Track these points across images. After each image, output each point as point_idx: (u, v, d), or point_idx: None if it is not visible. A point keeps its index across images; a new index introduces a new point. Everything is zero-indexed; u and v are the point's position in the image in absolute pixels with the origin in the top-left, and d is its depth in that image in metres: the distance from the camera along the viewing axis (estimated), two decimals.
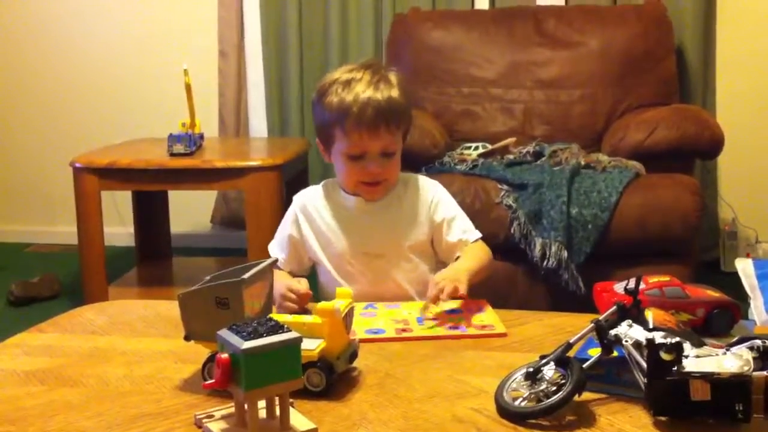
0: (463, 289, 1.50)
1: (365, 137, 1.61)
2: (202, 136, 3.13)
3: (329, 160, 1.73)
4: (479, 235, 1.74)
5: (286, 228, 1.77)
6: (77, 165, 2.89)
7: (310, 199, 1.77)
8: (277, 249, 1.77)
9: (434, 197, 1.74)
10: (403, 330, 1.44)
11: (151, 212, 3.53)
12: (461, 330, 1.43)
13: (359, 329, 1.43)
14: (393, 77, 1.66)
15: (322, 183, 1.79)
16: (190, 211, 3.92)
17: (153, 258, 3.50)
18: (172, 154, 2.90)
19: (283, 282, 1.56)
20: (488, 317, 1.49)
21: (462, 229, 1.72)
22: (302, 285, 1.58)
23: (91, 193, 2.87)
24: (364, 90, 1.61)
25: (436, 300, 1.50)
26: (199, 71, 3.46)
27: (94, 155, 2.98)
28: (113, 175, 2.88)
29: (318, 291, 1.75)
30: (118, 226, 3.66)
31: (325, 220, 1.73)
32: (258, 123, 3.96)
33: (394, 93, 1.63)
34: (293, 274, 1.72)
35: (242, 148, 3.53)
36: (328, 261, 1.73)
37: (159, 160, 2.89)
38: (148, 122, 3.81)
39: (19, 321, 1.65)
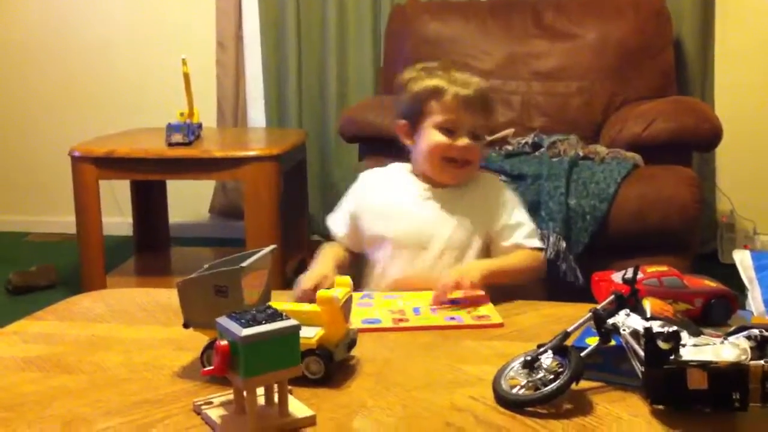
0: (466, 284, 1.50)
1: (462, 110, 1.66)
2: (200, 126, 3.12)
3: (411, 143, 1.74)
4: (537, 245, 1.71)
5: (347, 203, 1.79)
6: (76, 154, 2.89)
7: (375, 179, 1.80)
8: (337, 223, 1.80)
9: (501, 200, 1.72)
10: (400, 320, 1.44)
11: (149, 202, 3.53)
12: (458, 320, 1.44)
13: (356, 319, 1.43)
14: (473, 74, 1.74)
15: (389, 165, 1.80)
16: (189, 201, 3.92)
17: (151, 248, 3.51)
18: (171, 144, 2.90)
19: (310, 271, 1.60)
20: (486, 308, 1.49)
21: (522, 236, 1.70)
22: (308, 281, 1.57)
23: (90, 182, 2.87)
24: (459, 74, 1.69)
25: (437, 300, 1.50)
26: (198, 62, 3.45)
27: (92, 144, 2.98)
28: (112, 165, 2.88)
29: (365, 270, 1.77)
30: (116, 216, 3.65)
31: (384, 200, 1.74)
32: (256, 114, 3.96)
33: (483, 83, 1.71)
34: (349, 251, 1.76)
35: (240, 138, 3.53)
36: (377, 242, 1.72)
37: (157, 149, 2.89)
38: (146, 112, 3.80)
39: (17, 310, 1.64)
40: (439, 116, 1.67)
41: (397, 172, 1.77)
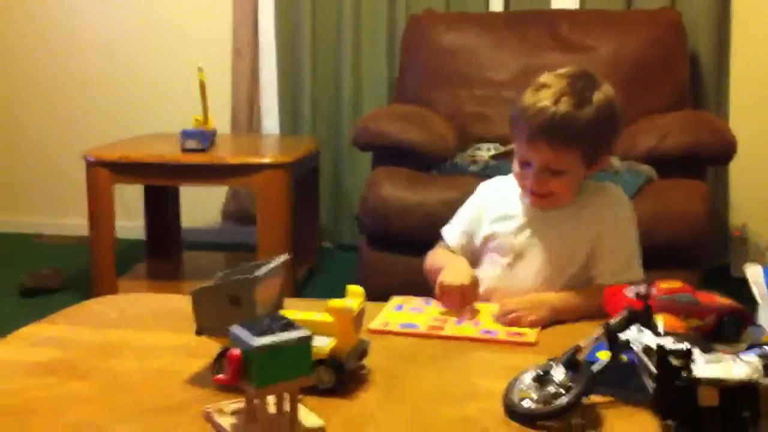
0: (523, 323, 1.45)
1: (525, 147, 1.57)
2: (214, 133, 3.14)
3: None
4: (629, 280, 1.51)
5: (468, 210, 1.75)
6: (90, 158, 2.91)
7: (493, 187, 1.75)
8: (452, 234, 1.75)
9: (615, 221, 1.62)
10: (436, 328, 1.45)
11: (161, 206, 3.55)
12: (493, 335, 1.43)
13: (394, 322, 1.47)
14: (595, 94, 1.55)
15: (509, 176, 1.72)
16: (201, 206, 3.93)
17: (162, 252, 3.52)
18: (185, 150, 2.91)
19: (443, 269, 1.58)
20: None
21: (614, 269, 1.58)
22: (457, 276, 1.54)
23: (104, 186, 2.89)
24: (544, 99, 1.53)
25: (498, 319, 1.47)
26: (214, 69, 3.47)
27: (107, 149, 3.00)
28: (126, 169, 2.89)
29: None
30: (127, 220, 3.67)
31: (498, 212, 1.69)
32: (270, 121, 3.97)
33: (579, 110, 1.52)
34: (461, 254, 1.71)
35: (254, 146, 3.55)
36: (483, 249, 1.70)
37: (172, 155, 2.90)
38: (161, 118, 3.82)
39: (28, 312, 1.65)
40: (517, 146, 1.61)
41: (512, 188, 1.69)
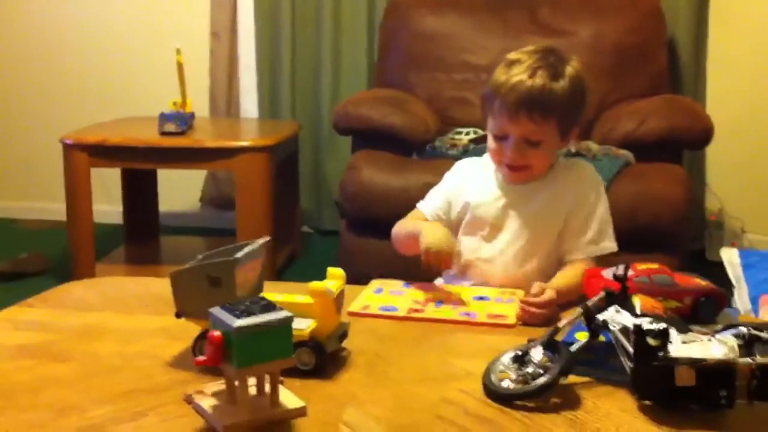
0: (549, 296, 1.43)
1: (505, 121, 1.59)
2: (193, 116, 3.12)
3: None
4: (602, 252, 1.62)
5: (445, 184, 1.76)
6: (67, 142, 2.89)
7: (471, 164, 1.77)
8: (428, 203, 1.75)
9: (585, 194, 1.65)
10: (415, 310, 1.46)
11: (139, 190, 3.53)
12: (472, 317, 1.43)
13: (374, 305, 1.47)
14: (566, 68, 1.60)
15: (485, 155, 1.74)
16: (179, 190, 3.91)
17: (141, 236, 3.50)
18: (163, 133, 2.90)
19: (422, 231, 1.58)
20: (506, 308, 1.47)
21: (585, 241, 1.63)
22: (438, 238, 1.55)
23: (81, 170, 2.87)
24: (519, 74, 1.57)
25: (528, 301, 1.43)
26: (191, 52, 3.44)
27: (84, 132, 2.98)
28: (103, 153, 2.88)
29: None
30: (106, 204, 3.64)
31: (475, 187, 1.71)
32: (249, 105, 3.95)
33: (554, 83, 1.56)
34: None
35: (233, 129, 3.53)
36: (460, 224, 1.71)
37: (150, 138, 2.89)
38: (139, 101, 3.79)
39: (5, 297, 1.64)
40: (491, 122, 1.63)
41: (488, 163, 1.72)
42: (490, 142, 1.65)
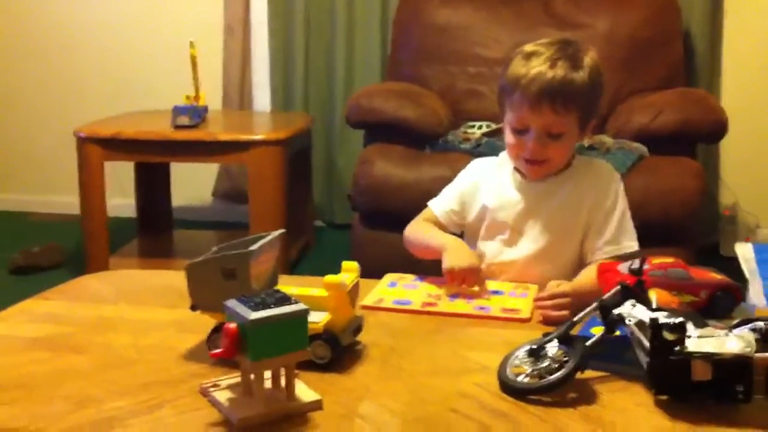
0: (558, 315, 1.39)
1: (527, 113, 1.56)
2: (206, 109, 3.12)
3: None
4: (622, 252, 1.59)
5: (460, 184, 1.75)
6: (81, 135, 2.89)
7: (487, 165, 1.75)
8: (442, 201, 1.74)
9: (605, 193, 1.63)
10: (429, 304, 1.45)
11: (152, 184, 3.54)
12: (486, 311, 1.43)
13: (388, 299, 1.47)
14: (585, 59, 1.58)
15: (501, 154, 1.74)
16: (192, 184, 3.92)
17: (154, 230, 3.51)
18: (177, 126, 2.90)
19: (445, 250, 1.56)
20: (520, 302, 1.46)
21: (606, 241, 1.61)
22: (463, 258, 1.54)
23: (95, 163, 2.88)
24: (539, 65, 1.55)
25: (544, 302, 1.41)
26: (205, 45, 3.45)
27: (98, 126, 2.98)
28: (117, 146, 2.88)
29: None
30: (119, 197, 3.66)
31: (492, 189, 1.69)
32: (262, 98, 3.96)
33: (574, 74, 1.55)
34: (444, 228, 1.71)
35: (246, 122, 3.53)
36: (476, 229, 1.70)
37: (163, 131, 2.89)
38: (152, 94, 3.80)
39: (20, 290, 1.65)
40: (510, 117, 1.60)
41: (505, 159, 1.71)
42: (509, 137, 1.63)
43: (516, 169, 1.69)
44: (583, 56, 1.59)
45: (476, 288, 1.52)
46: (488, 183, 1.71)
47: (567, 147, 1.62)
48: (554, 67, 1.55)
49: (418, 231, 1.72)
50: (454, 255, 1.55)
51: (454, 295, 1.50)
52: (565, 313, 1.37)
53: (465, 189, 1.73)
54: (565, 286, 1.43)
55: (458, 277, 1.52)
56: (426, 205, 1.77)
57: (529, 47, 1.61)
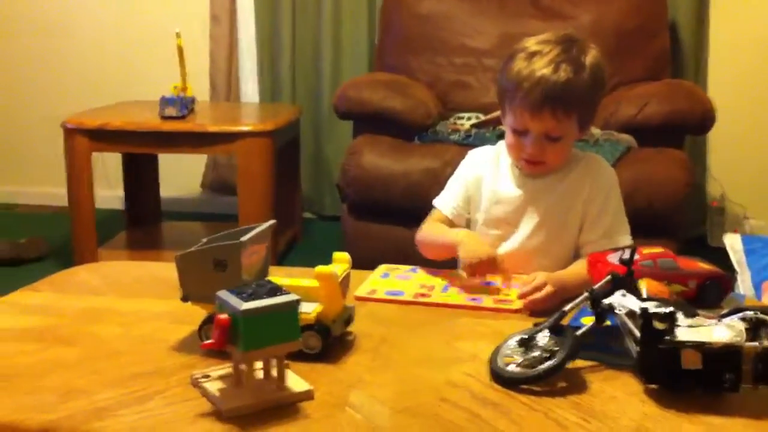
0: (544, 305, 1.40)
1: (527, 117, 1.54)
2: (193, 100, 3.11)
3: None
4: (616, 246, 1.55)
5: (463, 177, 1.72)
6: (68, 126, 2.88)
7: (486, 156, 1.73)
8: (447, 198, 1.72)
9: (600, 188, 1.63)
10: (422, 295, 1.46)
11: (140, 175, 3.52)
12: (478, 302, 1.43)
13: (381, 290, 1.47)
14: (587, 58, 1.55)
15: (498, 144, 1.72)
16: (180, 175, 3.90)
17: (142, 221, 3.50)
18: (164, 117, 2.89)
19: (461, 244, 1.54)
20: (512, 293, 1.46)
21: (601, 234, 1.60)
22: (479, 250, 1.52)
23: (82, 154, 2.86)
24: (542, 67, 1.52)
25: (525, 296, 1.42)
26: (191, 35, 3.43)
27: (85, 116, 2.96)
28: (104, 137, 2.87)
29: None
30: (107, 189, 3.64)
31: (492, 181, 1.68)
32: (249, 88, 3.94)
33: (577, 76, 1.52)
34: (454, 226, 1.69)
35: (234, 113, 3.52)
36: (477, 220, 1.69)
37: (151, 122, 2.88)
38: (139, 85, 3.78)
39: (6, 282, 1.64)
40: (510, 118, 1.59)
41: (502, 152, 1.70)
42: (508, 137, 1.62)
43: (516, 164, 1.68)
44: (586, 56, 1.56)
45: (499, 281, 1.51)
46: (488, 174, 1.70)
47: (566, 149, 1.61)
48: (557, 71, 1.51)
49: (429, 232, 1.70)
50: (470, 248, 1.53)
51: (446, 286, 1.50)
52: (538, 297, 1.39)
53: (468, 182, 1.72)
54: (541, 277, 1.44)
55: (478, 270, 1.50)
56: (432, 206, 1.75)
57: (532, 45, 1.57)
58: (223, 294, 1.03)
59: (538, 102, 1.52)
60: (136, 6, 3.99)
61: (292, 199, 3.46)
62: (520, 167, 1.65)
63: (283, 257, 3.23)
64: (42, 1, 4.05)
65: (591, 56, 1.56)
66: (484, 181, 1.69)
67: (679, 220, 2.61)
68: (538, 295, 1.40)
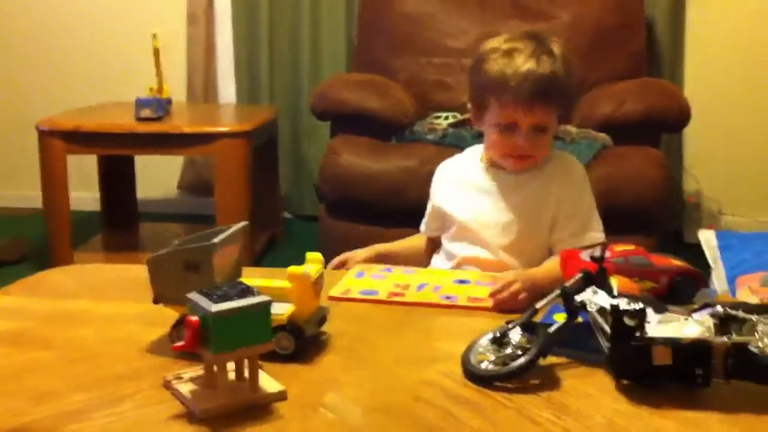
0: (516, 303, 1.39)
1: (519, 111, 1.56)
2: (169, 101, 3.10)
3: (480, 126, 1.68)
4: (588, 243, 1.54)
5: (433, 198, 1.77)
6: (43, 128, 2.86)
7: (450, 169, 1.76)
8: (426, 221, 1.80)
9: (571, 185, 1.65)
10: (396, 294, 1.45)
11: (117, 177, 3.50)
12: (452, 300, 1.43)
13: (355, 289, 1.46)
14: (557, 49, 1.59)
15: (466, 150, 1.76)
16: (157, 177, 3.88)
17: (119, 223, 3.48)
18: (140, 119, 2.87)
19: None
20: (486, 291, 1.45)
21: (573, 232, 1.62)
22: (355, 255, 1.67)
23: (57, 157, 2.84)
24: (524, 62, 1.55)
25: (494, 295, 1.41)
26: (168, 35, 3.42)
27: (60, 118, 2.95)
28: (79, 139, 2.85)
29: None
30: (83, 191, 3.62)
31: (456, 194, 1.70)
32: (227, 89, 3.93)
33: (557, 67, 1.56)
34: (433, 242, 1.78)
35: (211, 114, 3.51)
36: (453, 226, 1.71)
37: (126, 124, 2.87)
38: (115, 86, 3.76)
39: None
40: (497, 115, 1.60)
41: (469, 159, 1.73)
42: (492, 135, 1.63)
43: (490, 163, 1.68)
44: (557, 48, 1.59)
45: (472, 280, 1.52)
46: (453, 188, 1.72)
47: (549, 139, 1.64)
48: (540, 63, 1.55)
49: None
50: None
51: (420, 285, 1.50)
52: (504, 295, 1.39)
53: (439, 201, 1.74)
54: (510, 275, 1.44)
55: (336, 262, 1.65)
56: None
57: (504, 44, 1.59)
58: (194, 296, 1.03)
59: (529, 94, 1.54)
60: (112, 6, 3.96)
61: (271, 199, 3.45)
62: (504, 165, 1.65)
63: (261, 257, 3.22)
64: (15, 4, 4.02)
65: (560, 47, 1.60)
66: (450, 194, 1.72)
67: (656, 217, 2.63)
68: (505, 293, 1.40)
